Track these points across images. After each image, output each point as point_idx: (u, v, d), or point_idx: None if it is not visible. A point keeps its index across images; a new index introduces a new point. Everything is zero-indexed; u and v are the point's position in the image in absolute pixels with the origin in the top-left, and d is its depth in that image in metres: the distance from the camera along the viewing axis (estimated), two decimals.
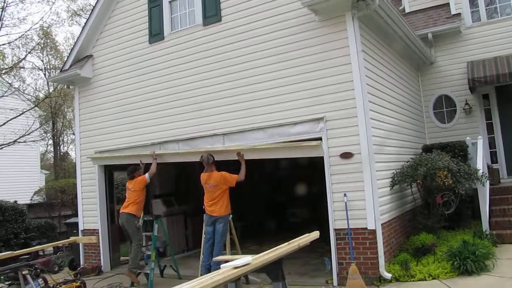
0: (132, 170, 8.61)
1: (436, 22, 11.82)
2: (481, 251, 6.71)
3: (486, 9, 11.56)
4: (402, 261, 6.99)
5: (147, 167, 8.78)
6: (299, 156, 7.61)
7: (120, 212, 8.52)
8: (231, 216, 7.68)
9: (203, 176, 7.62)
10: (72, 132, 32.69)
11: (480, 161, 8.72)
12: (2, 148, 15.09)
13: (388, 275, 6.76)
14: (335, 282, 7.08)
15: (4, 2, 13.49)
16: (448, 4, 11.99)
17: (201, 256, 7.74)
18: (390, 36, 8.80)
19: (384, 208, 7.38)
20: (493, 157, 11.20)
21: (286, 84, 7.68)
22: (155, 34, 9.45)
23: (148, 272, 8.08)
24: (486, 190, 8.46)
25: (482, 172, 8.41)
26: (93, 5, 11.00)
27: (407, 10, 12.79)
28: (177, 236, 11.12)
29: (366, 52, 7.46)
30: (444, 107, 11.82)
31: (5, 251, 9.63)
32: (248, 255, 4.53)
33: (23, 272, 6.68)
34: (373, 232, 6.86)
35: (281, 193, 14.09)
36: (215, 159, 7.66)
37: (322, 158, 7.30)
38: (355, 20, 7.14)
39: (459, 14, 11.67)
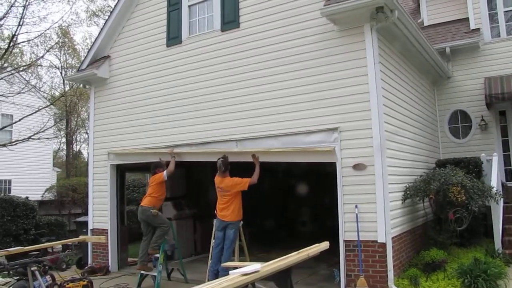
0: (155, 166, 8.73)
1: (455, 37, 11.74)
2: (493, 270, 6.59)
3: (506, 25, 11.48)
4: (411, 276, 6.91)
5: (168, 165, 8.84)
6: (312, 161, 7.57)
7: (139, 206, 8.64)
8: (241, 222, 7.68)
9: (217, 179, 7.69)
10: (85, 131, 33.00)
11: (494, 179, 8.62)
12: (16, 144, 15.23)
13: None
14: None
15: (26, 0, 13.64)
16: (467, 19, 11.92)
17: (209, 261, 7.73)
18: (408, 48, 8.75)
19: (395, 222, 7.31)
20: (508, 175, 11.07)
21: (301, 92, 7.67)
22: (173, 37, 9.50)
23: (156, 274, 8.08)
24: (499, 208, 8.36)
25: (496, 190, 8.31)
26: (113, 7, 11.11)
27: (425, 24, 12.73)
28: (186, 240, 11.11)
29: (383, 64, 7.43)
30: (460, 122, 11.72)
31: (15, 246, 9.71)
32: (257, 263, 4.50)
33: (32, 268, 6.71)
34: (383, 245, 6.79)
35: (291, 202, 14.04)
36: (230, 161, 7.73)
37: (335, 168, 7.26)
38: (374, 32, 7.11)
39: (478, 29, 11.59)
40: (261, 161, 7.75)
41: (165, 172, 8.56)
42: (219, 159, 7.74)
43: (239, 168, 7.92)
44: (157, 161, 8.94)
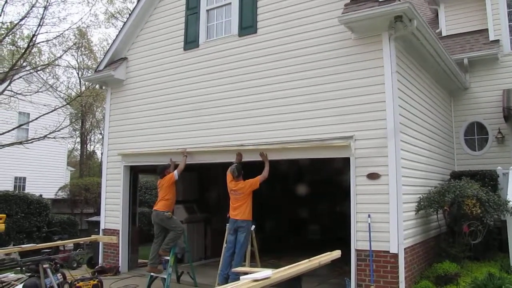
0: (163, 168, 8.74)
1: (473, 47, 11.64)
2: (507, 286, 6.46)
3: None
4: None
5: (176, 167, 8.87)
6: (326, 156, 7.50)
7: (152, 210, 8.69)
8: (253, 227, 7.72)
9: (230, 183, 7.79)
10: (99, 132, 33.30)
11: (510, 192, 8.48)
12: (32, 142, 15.42)
13: None
14: None
15: (47, 1, 13.82)
16: (486, 30, 11.81)
17: (220, 265, 7.74)
18: (426, 58, 8.69)
19: (408, 233, 7.24)
20: None
21: (317, 100, 7.65)
22: (190, 41, 9.55)
23: (165, 276, 8.09)
24: None
25: None
26: (131, 10, 11.22)
27: (444, 34, 12.64)
28: (196, 244, 11.11)
29: (400, 73, 7.38)
30: (476, 134, 11.59)
31: (27, 243, 9.81)
32: (268, 269, 4.48)
33: (44, 266, 6.76)
34: (395, 256, 6.71)
35: (302, 209, 13.99)
36: (244, 159, 8.04)
37: (348, 177, 7.21)
38: (392, 41, 7.07)
39: (497, 41, 11.49)
40: (276, 159, 7.92)
41: (175, 172, 8.60)
42: (232, 165, 7.87)
43: (252, 169, 7.98)
44: (164, 163, 8.96)
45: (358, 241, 7.03)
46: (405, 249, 6.88)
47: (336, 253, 5.45)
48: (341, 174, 8.07)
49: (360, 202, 7.07)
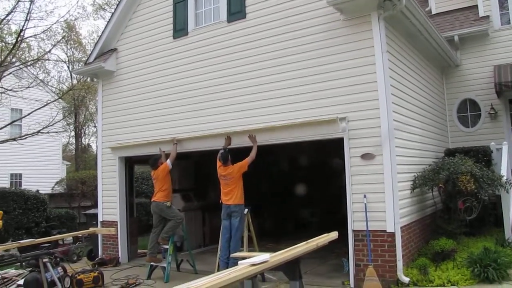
0: (155, 159, 8.78)
1: (463, 24, 11.63)
2: (503, 259, 6.56)
3: None
4: (420, 266, 6.90)
5: (167, 156, 8.88)
6: (317, 134, 7.45)
7: (151, 201, 8.77)
8: (247, 210, 7.82)
9: (220, 169, 7.93)
10: (93, 125, 33.20)
11: (504, 167, 8.56)
12: (26, 138, 15.35)
13: (405, 279, 6.68)
14: (351, 284, 7.03)
15: None
16: (476, 6, 11.79)
17: (219, 252, 7.82)
18: (416, 37, 8.67)
19: (404, 211, 7.30)
20: None
21: (309, 82, 7.64)
22: (179, 29, 9.49)
23: (165, 265, 8.14)
24: (510, 197, 8.29)
25: (506, 179, 8.26)
26: (119, 0, 11.11)
27: (433, 12, 12.61)
28: (195, 232, 11.17)
29: (390, 53, 7.38)
30: (468, 111, 11.64)
31: (26, 239, 9.82)
32: (266, 253, 4.51)
33: (44, 260, 6.79)
34: (392, 234, 6.77)
35: (299, 192, 14.04)
36: (233, 143, 8.25)
37: (343, 158, 7.24)
38: (381, 20, 7.05)
39: (487, 17, 11.47)
40: (267, 142, 7.98)
41: (168, 161, 8.66)
42: (219, 151, 8.00)
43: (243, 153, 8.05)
44: (155, 154, 8.96)
45: (355, 221, 7.08)
46: (401, 227, 6.95)
47: (333, 235, 5.48)
48: (337, 156, 8.09)
49: (355, 183, 7.11)
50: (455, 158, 8.42)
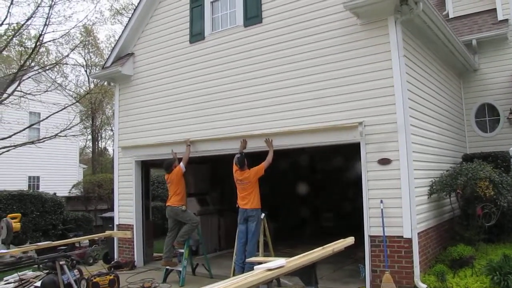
0: (170, 163, 8.78)
1: (481, 28, 11.48)
2: None
3: None
4: (438, 272, 6.81)
5: (180, 160, 8.90)
6: (334, 139, 7.39)
7: (166, 206, 8.78)
8: (263, 215, 7.81)
9: (236, 173, 7.93)
10: (110, 128, 33.50)
11: None
12: (44, 141, 15.55)
13: (423, 286, 6.59)
14: None
15: (52, 0, 13.85)
16: (494, 10, 11.63)
17: (235, 256, 7.81)
18: (433, 41, 8.60)
19: (421, 217, 7.22)
20: None
21: (326, 87, 7.61)
22: (196, 34, 9.54)
23: (181, 269, 8.16)
24: None
25: None
26: (136, 5, 11.22)
27: (451, 16, 12.47)
28: (210, 236, 11.18)
29: (407, 57, 7.32)
30: (487, 116, 11.48)
31: (43, 241, 9.92)
32: (281, 258, 4.51)
33: (61, 262, 6.86)
34: (409, 240, 6.70)
35: (315, 197, 14.00)
36: (249, 146, 8.20)
37: (360, 163, 7.19)
38: (398, 25, 7.01)
39: (506, 20, 11.30)
40: (284, 147, 7.97)
41: (181, 164, 8.68)
42: (236, 155, 8.00)
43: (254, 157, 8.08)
44: (169, 160, 8.95)
45: (371, 227, 7.03)
46: (418, 233, 6.88)
47: (350, 240, 5.46)
48: (353, 161, 8.03)
49: (372, 188, 7.06)
50: (473, 164, 8.31)
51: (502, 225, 8.70)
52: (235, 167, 7.94)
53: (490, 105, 11.43)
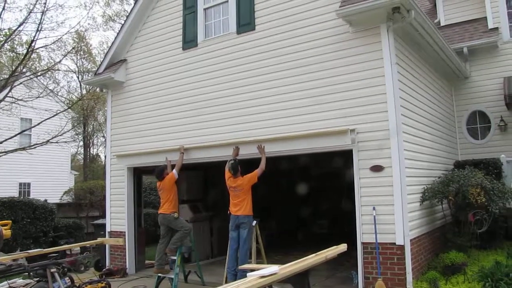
0: (161, 170, 8.68)
1: (472, 36, 11.60)
2: None
3: None
4: (430, 279, 6.83)
5: (173, 167, 8.86)
6: (325, 145, 7.38)
7: (158, 213, 8.68)
8: (255, 222, 7.80)
9: (229, 181, 7.89)
10: (102, 135, 33.36)
11: None
12: (35, 147, 15.45)
13: None
14: None
15: (45, 6, 13.83)
16: (485, 18, 11.78)
17: (227, 263, 7.78)
18: (425, 49, 8.67)
19: (413, 224, 7.24)
20: None
21: (318, 94, 7.64)
22: (189, 40, 9.55)
23: (173, 276, 8.11)
24: None
25: None
26: (129, 11, 11.21)
27: (442, 23, 12.60)
28: (203, 243, 11.12)
29: (400, 65, 7.37)
30: (478, 123, 11.58)
31: (34, 248, 9.83)
32: (274, 265, 4.49)
33: (51, 270, 6.77)
34: (402, 247, 6.71)
35: (308, 204, 14.00)
36: (241, 153, 8.20)
37: (352, 170, 7.21)
38: (390, 32, 7.06)
39: (496, 29, 11.45)
40: (277, 154, 7.97)
41: (174, 171, 8.60)
42: (229, 161, 7.98)
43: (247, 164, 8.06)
44: (161, 166, 8.87)
45: (364, 234, 7.03)
46: (411, 240, 6.89)
47: (342, 247, 5.45)
48: (345, 168, 8.05)
49: (364, 195, 7.07)
50: (465, 171, 8.36)
51: (494, 232, 8.76)
52: (228, 174, 7.91)
53: (481, 112, 11.52)
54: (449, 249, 7.89)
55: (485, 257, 8.31)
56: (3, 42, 14.42)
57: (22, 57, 14.48)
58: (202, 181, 11.86)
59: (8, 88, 14.48)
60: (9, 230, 9.51)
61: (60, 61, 20.18)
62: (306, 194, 13.79)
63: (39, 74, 17.85)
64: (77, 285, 7.57)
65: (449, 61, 9.94)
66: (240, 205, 7.72)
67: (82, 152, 36.18)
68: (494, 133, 11.25)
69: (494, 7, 11.62)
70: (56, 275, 6.81)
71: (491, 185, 7.94)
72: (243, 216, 7.65)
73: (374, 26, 7.15)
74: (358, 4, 6.93)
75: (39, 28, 13.71)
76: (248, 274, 4.22)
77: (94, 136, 35.45)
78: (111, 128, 10.97)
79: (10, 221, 9.97)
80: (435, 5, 13.38)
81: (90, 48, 31.75)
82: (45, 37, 40.77)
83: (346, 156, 7.48)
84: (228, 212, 7.92)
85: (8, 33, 14.35)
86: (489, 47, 11.31)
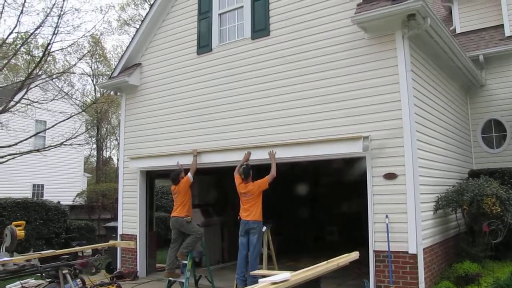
0: (177, 174, 8.69)
1: (488, 44, 11.48)
2: None
3: None
4: None
5: (186, 172, 8.87)
6: (337, 152, 7.33)
7: (171, 217, 8.66)
8: (265, 228, 7.74)
9: (240, 186, 7.87)
10: (115, 138, 33.62)
11: None
12: (49, 149, 15.59)
13: None
14: None
15: (62, 9, 13.99)
16: (502, 26, 11.65)
17: (237, 268, 7.76)
18: (440, 56, 8.61)
19: (426, 233, 7.16)
20: None
21: (332, 100, 7.62)
22: (203, 45, 9.59)
23: (183, 281, 8.11)
24: None
25: None
26: (144, 16, 11.30)
27: (458, 31, 12.50)
28: (214, 247, 11.12)
29: (414, 72, 7.32)
30: (493, 132, 11.42)
31: (46, 249, 9.90)
32: (286, 271, 4.46)
33: (63, 271, 6.83)
34: (414, 256, 6.64)
35: (319, 211, 13.93)
36: (252, 158, 8.20)
37: (365, 177, 7.16)
38: (405, 39, 7.02)
39: None
40: (286, 161, 7.94)
41: (189, 174, 8.61)
42: (240, 166, 7.99)
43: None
44: (176, 171, 8.87)
45: (376, 242, 6.97)
46: (424, 249, 6.81)
47: (354, 255, 5.40)
48: (358, 175, 7.99)
49: (377, 203, 7.02)
50: (480, 180, 8.26)
51: (509, 243, 8.61)
52: (238, 179, 7.90)
53: (496, 121, 11.38)
54: (463, 259, 7.77)
55: (500, 268, 8.17)
56: (20, 45, 14.60)
57: (38, 60, 14.65)
58: (214, 186, 11.88)
59: (24, 91, 14.65)
60: (23, 231, 9.64)
61: (75, 64, 20.55)
62: (317, 201, 13.72)
63: (54, 77, 18.07)
64: (88, 287, 7.63)
65: (465, 69, 9.85)
66: (250, 211, 7.69)
67: (95, 154, 36.52)
68: (510, 142, 11.09)
69: (511, 14, 11.48)
70: (68, 276, 6.87)
71: (507, 195, 7.83)
72: (252, 221, 7.62)
73: (390, 33, 7.12)
74: (374, 11, 6.90)
75: (55, 32, 13.83)
76: (259, 280, 4.19)
77: (107, 139, 35.76)
78: (124, 131, 11.04)
79: (24, 222, 10.11)
80: (450, 12, 13.30)
81: (105, 52, 32.10)
82: (61, 41, 41.58)
83: (358, 163, 7.43)
84: (238, 217, 7.90)
85: (25, 36, 14.53)
86: (506, 55, 11.17)
